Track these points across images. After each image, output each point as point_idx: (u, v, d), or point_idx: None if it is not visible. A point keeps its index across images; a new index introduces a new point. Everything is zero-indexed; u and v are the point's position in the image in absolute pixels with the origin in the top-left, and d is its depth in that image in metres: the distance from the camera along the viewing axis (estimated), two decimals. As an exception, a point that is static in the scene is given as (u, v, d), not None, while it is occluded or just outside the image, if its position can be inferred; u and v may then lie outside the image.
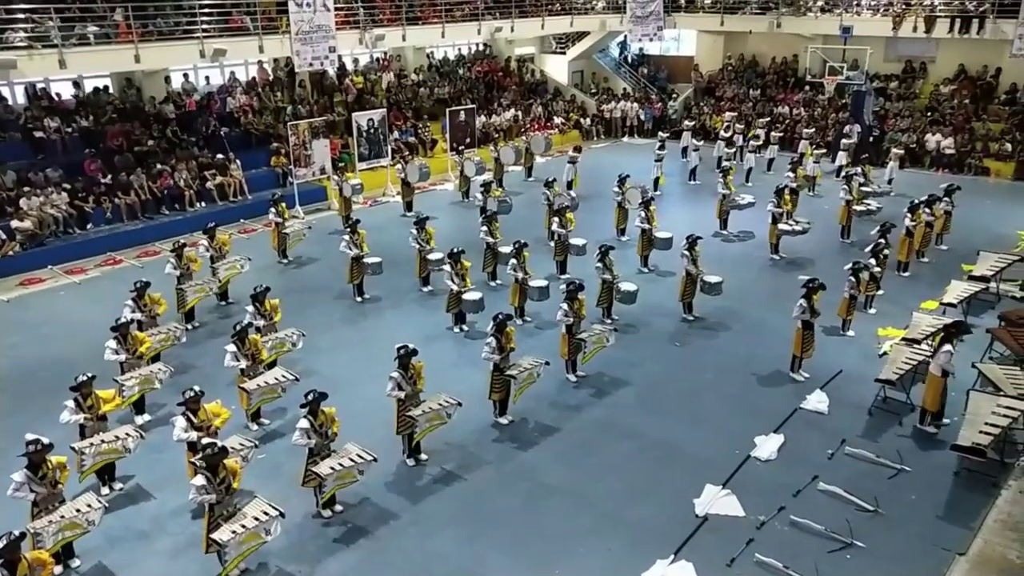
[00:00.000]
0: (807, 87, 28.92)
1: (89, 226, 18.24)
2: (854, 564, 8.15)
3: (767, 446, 10.12)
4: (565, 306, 11.49)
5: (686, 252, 13.67)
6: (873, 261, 13.78)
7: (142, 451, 9.53)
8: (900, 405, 10.93)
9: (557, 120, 29.78)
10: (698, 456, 10.00)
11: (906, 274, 15.80)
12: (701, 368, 12.31)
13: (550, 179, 18.38)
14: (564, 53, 32.35)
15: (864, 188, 19.19)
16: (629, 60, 34.47)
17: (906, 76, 28.06)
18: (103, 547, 8.49)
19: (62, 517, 7.87)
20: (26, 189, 17.66)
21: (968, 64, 26.74)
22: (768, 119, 27.36)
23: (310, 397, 8.78)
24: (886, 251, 14.32)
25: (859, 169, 20.23)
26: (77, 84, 20.62)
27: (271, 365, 11.16)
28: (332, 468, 8.64)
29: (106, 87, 21.17)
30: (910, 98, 27.24)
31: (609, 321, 13.53)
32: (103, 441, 9.07)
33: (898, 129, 25.76)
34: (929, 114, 26.06)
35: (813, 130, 25.56)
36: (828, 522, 8.59)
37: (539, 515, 9.00)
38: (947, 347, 10.17)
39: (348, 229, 14.86)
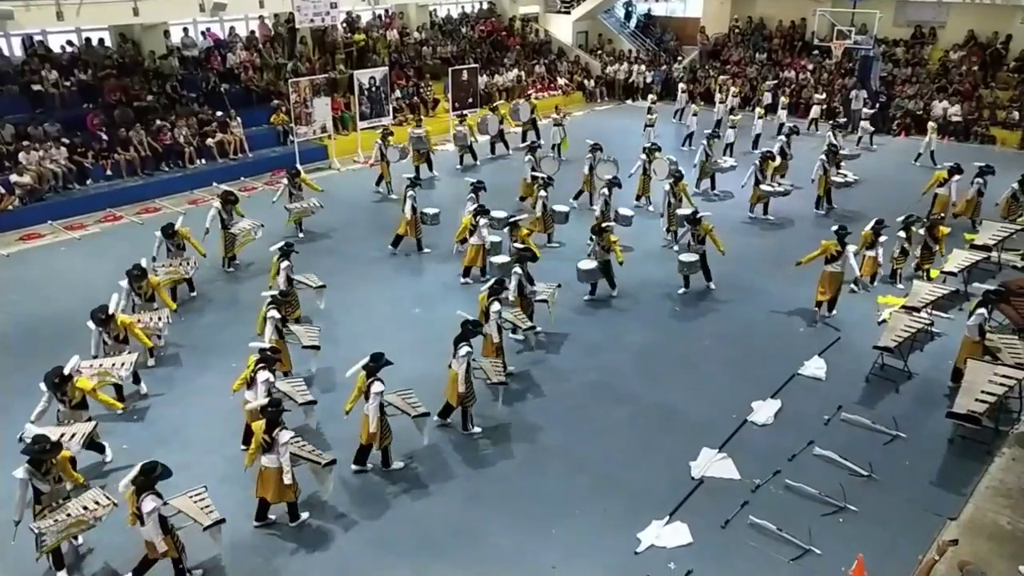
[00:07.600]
0: (815, 51, 28.54)
1: (89, 182, 18.11)
2: (847, 527, 8.25)
3: (764, 411, 10.19)
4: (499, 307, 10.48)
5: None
6: (903, 234, 13.62)
7: None
8: (897, 372, 10.99)
9: (560, 81, 29.44)
10: (694, 420, 10.07)
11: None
12: (699, 335, 12.31)
13: (534, 144, 18.05)
14: (568, 12, 31.85)
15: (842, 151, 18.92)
16: (635, 21, 33.95)
17: (915, 41, 27.66)
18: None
19: None
20: (25, 143, 17.51)
21: (978, 30, 26.33)
22: (775, 83, 27.02)
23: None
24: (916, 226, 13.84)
25: (832, 132, 20.24)
26: (71, 41, 20.35)
27: None
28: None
29: (101, 40, 20.87)
30: (918, 64, 26.89)
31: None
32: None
33: (905, 96, 25.48)
34: (937, 80, 25.76)
35: (824, 95, 25.25)
36: (822, 486, 8.68)
37: (536, 477, 9.09)
38: (981, 311, 10.33)
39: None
